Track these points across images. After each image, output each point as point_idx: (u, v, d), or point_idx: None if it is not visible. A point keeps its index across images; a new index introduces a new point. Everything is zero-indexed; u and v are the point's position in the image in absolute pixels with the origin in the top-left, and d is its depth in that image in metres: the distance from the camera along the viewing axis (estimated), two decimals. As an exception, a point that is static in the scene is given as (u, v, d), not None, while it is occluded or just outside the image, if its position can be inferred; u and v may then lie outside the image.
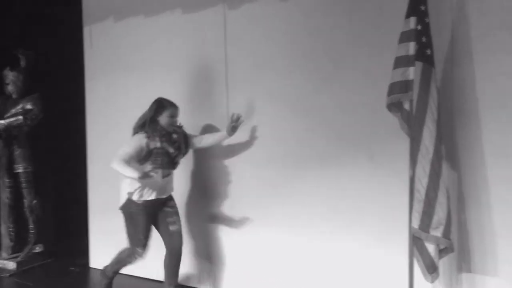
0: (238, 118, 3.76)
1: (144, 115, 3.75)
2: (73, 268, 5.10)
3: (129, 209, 3.74)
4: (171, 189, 3.90)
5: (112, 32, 4.83)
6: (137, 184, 3.65)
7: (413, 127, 2.97)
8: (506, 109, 2.97)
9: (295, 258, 3.82)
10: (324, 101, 3.62)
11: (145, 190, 3.68)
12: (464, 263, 3.17)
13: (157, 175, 3.61)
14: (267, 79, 3.89)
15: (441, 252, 2.99)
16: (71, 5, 5.10)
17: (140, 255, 3.74)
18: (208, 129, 4.14)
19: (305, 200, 3.75)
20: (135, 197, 3.68)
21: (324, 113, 3.64)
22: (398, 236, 3.26)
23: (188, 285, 4.28)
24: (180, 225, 3.87)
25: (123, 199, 3.76)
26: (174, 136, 3.76)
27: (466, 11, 3.09)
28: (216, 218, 4.20)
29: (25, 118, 5.07)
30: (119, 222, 4.76)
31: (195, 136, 3.96)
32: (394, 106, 3.04)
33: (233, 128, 3.78)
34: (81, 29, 5.05)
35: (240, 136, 3.97)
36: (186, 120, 4.01)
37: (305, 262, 3.78)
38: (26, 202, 5.23)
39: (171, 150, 3.71)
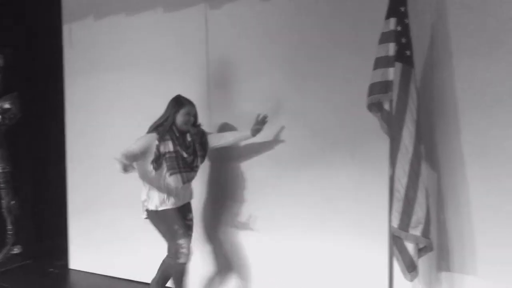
0: (263, 120, 3.58)
1: (162, 115, 3.57)
2: (52, 270, 5.04)
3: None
4: (191, 196, 3.76)
5: (92, 31, 4.77)
6: (155, 193, 3.52)
7: (393, 127, 2.99)
8: (485, 110, 3.00)
9: (278, 258, 3.83)
10: (305, 101, 3.63)
11: (164, 198, 3.52)
12: (443, 262, 3.20)
13: (177, 181, 3.48)
14: (249, 78, 3.89)
15: (421, 251, 3.01)
16: (51, 2, 5.04)
17: (185, 248, 3.46)
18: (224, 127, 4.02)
19: (284, 199, 3.76)
20: (152, 207, 3.53)
21: (305, 113, 3.64)
22: (378, 235, 3.29)
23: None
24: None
25: (144, 208, 3.60)
26: (189, 139, 3.58)
27: (445, 13, 3.11)
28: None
29: (3, 118, 5.00)
30: (98, 222, 4.71)
31: (213, 134, 3.81)
32: (374, 107, 3.06)
33: (257, 129, 3.60)
34: (60, 27, 4.99)
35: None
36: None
37: (286, 261, 3.79)
38: (4, 202, 5.15)
39: (184, 154, 3.52)
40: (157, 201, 3.53)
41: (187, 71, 4.19)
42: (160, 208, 3.52)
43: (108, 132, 4.67)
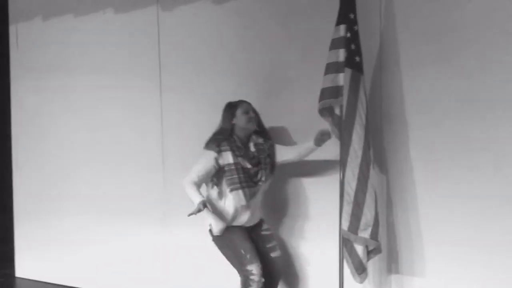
0: (327, 132, 3.18)
1: (218, 127, 3.28)
2: (-3, 278, 4.93)
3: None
4: (260, 214, 3.42)
5: (40, 32, 4.68)
6: (217, 216, 3.21)
7: (343, 131, 3.03)
8: (431, 115, 3.07)
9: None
10: (256, 105, 3.63)
11: (231, 215, 3.23)
12: (393, 264, 3.26)
13: (239, 198, 3.16)
14: (201, 81, 3.88)
15: (370, 253, 3.06)
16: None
17: (256, 275, 3.11)
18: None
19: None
20: (216, 231, 3.24)
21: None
22: (329, 237, 3.31)
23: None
24: (280, 251, 3.40)
25: (208, 228, 3.29)
26: (252, 149, 3.27)
27: (394, 20, 3.18)
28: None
29: None
30: (45, 229, 4.57)
31: (279, 147, 3.38)
32: (325, 111, 3.10)
33: (322, 140, 3.18)
34: (7, 28, 4.85)
35: (173, 138, 3.97)
36: (121, 124, 3.89)
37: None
38: None
39: (248, 165, 3.20)
40: (220, 224, 3.22)
41: (139, 73, 4.15)
42: (223, 233, 3.23)
43: (56, 136, 4.58)
